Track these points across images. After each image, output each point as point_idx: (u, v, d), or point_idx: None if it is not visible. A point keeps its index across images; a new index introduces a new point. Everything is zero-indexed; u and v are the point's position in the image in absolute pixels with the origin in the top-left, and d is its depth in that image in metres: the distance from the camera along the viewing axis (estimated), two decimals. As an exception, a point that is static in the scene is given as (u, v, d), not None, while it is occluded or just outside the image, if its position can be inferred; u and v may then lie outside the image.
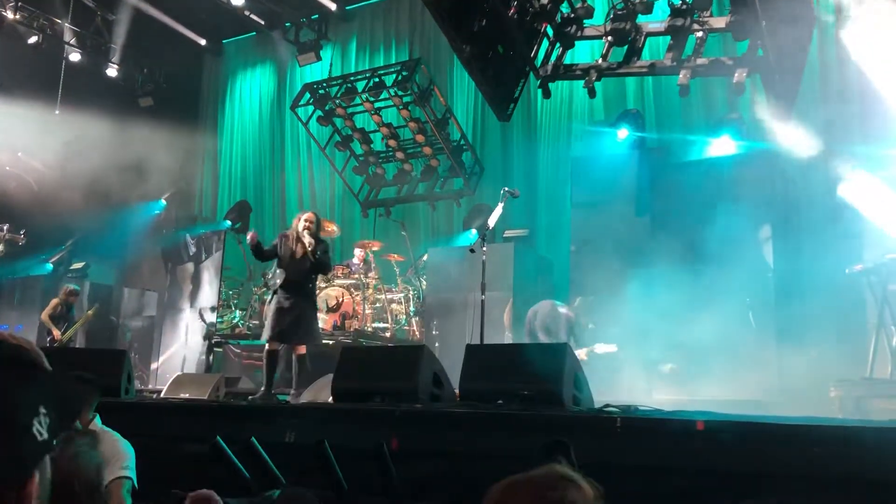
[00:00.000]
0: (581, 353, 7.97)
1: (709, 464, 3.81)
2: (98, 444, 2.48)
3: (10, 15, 13.36)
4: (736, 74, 6.87)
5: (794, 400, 6.72)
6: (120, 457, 3.33)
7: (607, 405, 5.00)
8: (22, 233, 10.00)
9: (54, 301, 11.22)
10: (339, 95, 11.87)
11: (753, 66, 6.94)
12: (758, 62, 6.92)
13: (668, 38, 7.41)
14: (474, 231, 11.16)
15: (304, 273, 7.29)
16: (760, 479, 3.64)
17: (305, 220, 7.30)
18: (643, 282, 8.56)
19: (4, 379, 1.15)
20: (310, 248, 7.18)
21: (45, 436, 1.16)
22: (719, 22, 7.10)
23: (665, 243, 8.48)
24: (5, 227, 9.72)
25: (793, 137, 7.92)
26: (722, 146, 9.25)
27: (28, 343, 1.32)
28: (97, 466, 2.42)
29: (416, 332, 11.02)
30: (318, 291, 10.87)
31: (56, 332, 10.86)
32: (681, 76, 7.14)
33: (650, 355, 8.11)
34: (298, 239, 7.25)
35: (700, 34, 7.12)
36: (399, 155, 12.26)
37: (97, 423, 3.42)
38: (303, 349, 7.38)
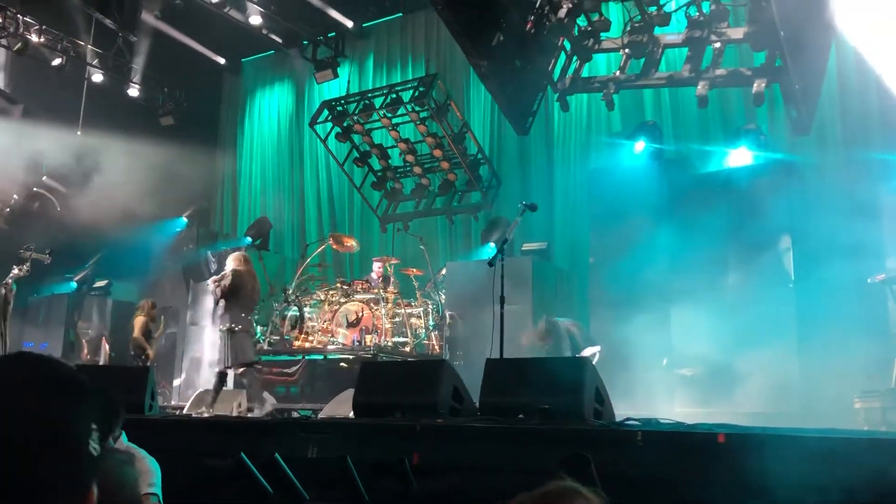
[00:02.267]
0: None
1: (730, 477, 3.78)
2: (133, 460, 2.52)
3: (34, 38, 13.59)
4: (755, 85, 6.88)
5: (818, 412, 6.66)
6: (147, 474, 3.35)
7: (628, 418, 4.99)
8: (48, 252, 10.12)
9: (141, 319, 11.06)
10: (356, 112, 11.96)
11: (772, 77, 6.94)
12: (776, 72, 6.92)
13: (686, 49, 7.43)
14: (492, 244, 11.17)
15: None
16: (783, 492, 3.62)
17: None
18: (662, 294, 8.53)
19: (64, 402, 1.19)
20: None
21: (98, 450, 1.21)
22: (737, 33, 7.12)
23: (684, 255, 8.46)
24: (32, 247, 9.84)
25: (812, 146, 7.89)
26: (740, 157, 9.21)
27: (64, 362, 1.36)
28: (135, 482, 2.47)
29: (436, 347, 11.03)
30: (336, 306, 10.96)
31: (151, 352, 10.76)
32: (699, 87, 7.16)
33: (670, 367, 8.07)
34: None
35: (718, 45, 7.13)
36: (417, 170, 12.32)
37: (123, 441, 3.45)
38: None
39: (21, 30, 13.36)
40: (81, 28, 14.50)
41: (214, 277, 8.66)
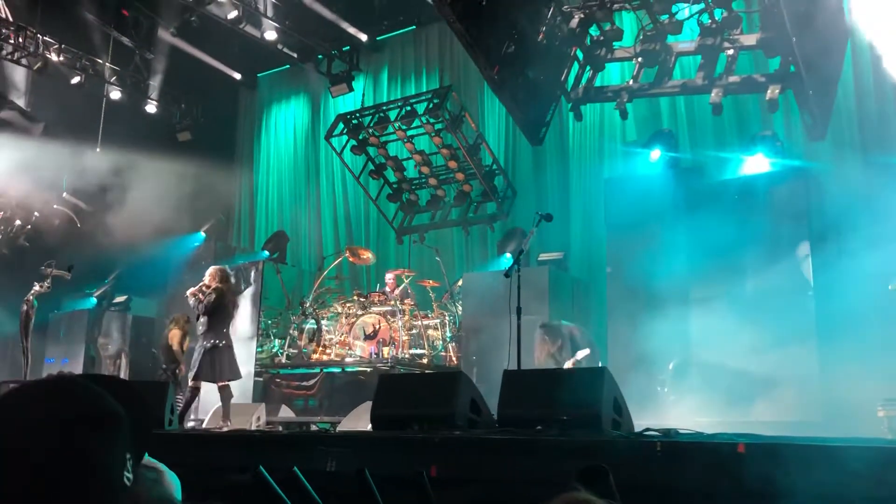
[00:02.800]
0: (569, 363, 8.41)
1: (751, 487, 3.75)
2: (162, 477, 2.52)
3: (54, 57, 13.80)
4: (769, 91, 6.85)
5: (840, 420, 6.59)
6: (170, 488, 3.37)
7: (647, 429, 4.96)
8: (68, 268, 10.23)
9: (177, 332, 10.85)
10: (371, 125, 12.02)
11: (786, 83, 6.91)
12: (790, 78, 6.89)
13: (699, 57, 7.41)
14: (508, 255, 11.16)
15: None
16: (804, 502, 3.58)
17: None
18: (680, 302, 8.48)
19: (101, 440, 1.16)
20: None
21: (132, 478, 1.20)
22: (750, 39, 7.10)
23: (701, 263, 8.41)
24: (53, 264, 9.96)
25: (828, 152, 7.84)
26: (756, 164, 9.15)
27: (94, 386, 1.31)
28: (171, 499, 2.47)
29: (453, 358, 11.02)
30: (353, 319, 10.99)
31: (183, 366, 10.54)
32: (713, 95, 7.14)
33: (690, 376, 8.01)
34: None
35: (731, 52, 7.12)
36: (432, 181, 12.35)
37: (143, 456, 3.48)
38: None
39: (41, 49, 13.57)
40: (99, 46, 14.71)
41: (193, 290, 8.76)
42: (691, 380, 8.17)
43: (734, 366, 7.58)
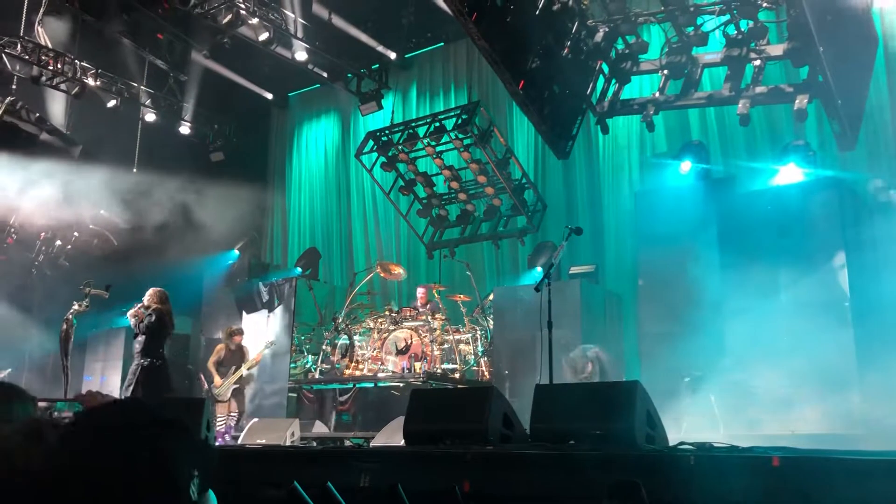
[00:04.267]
0: None
1: (787, 502, 3.71)
2: (207, 496, 2.59)
3: (91, 81, 14.15)
4: (797, 101, 6.79)
5: (880, 433, 6.47)
6: None
7: (681, 443, 4.93)
8: (106, 287, 10.44)
9: (219, 347, 10.92)
10: (401, 141, 12.11)
11: (814, 92, 6.85)
12: (819, 88, 6.83)
13: (726, 68, 7.38)
14: (539, 269, 11.16)
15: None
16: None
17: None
18: (714, 314, 8.41)
19: (170, 445, 1.24)
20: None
21: (196, 497, 1.26)
22: (777, 49, 7.06)
23: (735, 274, 8.34)
24: (91, 283, 10.17)
25: (863, 161, 7.74)
26: (789, 174, 9.07)
27: None
28: None
29: (486, 373, 11.02)
30: (385, 334, 11.05)
31: (217, 380, 10.56)
32: (740, 106, 7.10)
33: (722, 389, 7.93)
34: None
35: (758, 63, 7.08)
36: (462, 196, 12.40)
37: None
38: None
39: (78, 74, 13.92)
40: (135, 70, 15.06)
41: (133, 311, 9.25)
42: (726, 393, 8.08)
43: (770, 378, 7.48)
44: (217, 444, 9.29)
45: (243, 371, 10.85)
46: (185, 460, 1.27)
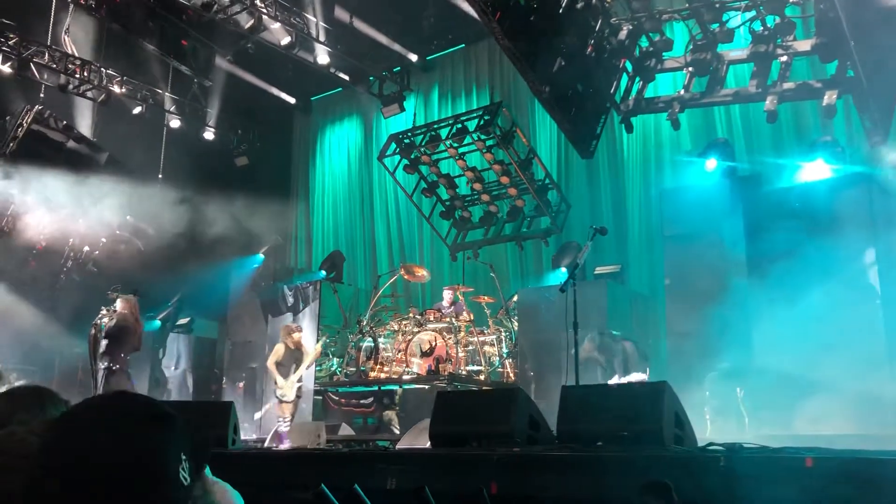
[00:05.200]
0: (616, 380, 8.46)
1: (818, 502, 3.64)
2: (212, 494, 2.58)
3: (116, 89, 14.32)
4: (825, 97, 6.69)
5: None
6: None
7: (711, 443, 4.86)
8: (133, 292, 10.54)
9: (277, 346, 10.46)
10: (423, 143, 12.12)
11: (844, 88, 6.74)
12: (848, 83, 6.72)
13: (752, 64, 7.29)
14: (563, 269, 11.09)
15: None
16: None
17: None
18: (741, 314, 8.31)
19: (153, 434, 1.28)
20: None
21: (189, 480, 1.29)
22: (804, 45, 6.96)
23: (762, 273, 8.23)
24: (119, 288, 10.29)
25: (891, 157, 7.60)
26: (816, 170, 8.94)
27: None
28: None
29: (511, 374, 10.98)
30: (410, 336, 11.05)
31: (280, 380, 10.07)
32: (767, 102, 7.01)
33: (753, 387, 7.83)
34: None
35: (785, 59, 6.98)
36: (485, 197, 12.38)
37: (206, 474, 3.54)
38: None
39: (104, 82, 14.10)
40: (159, 76, 15.22)
41: (106, 314, 9.54)
42: (757, 392, 7.97)
43: (800, 378, 7.37)
44: (280, 447, 9.17)
45: (303, 369, 10.40)
46: (172, 447, 1.28)
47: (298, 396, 10.35)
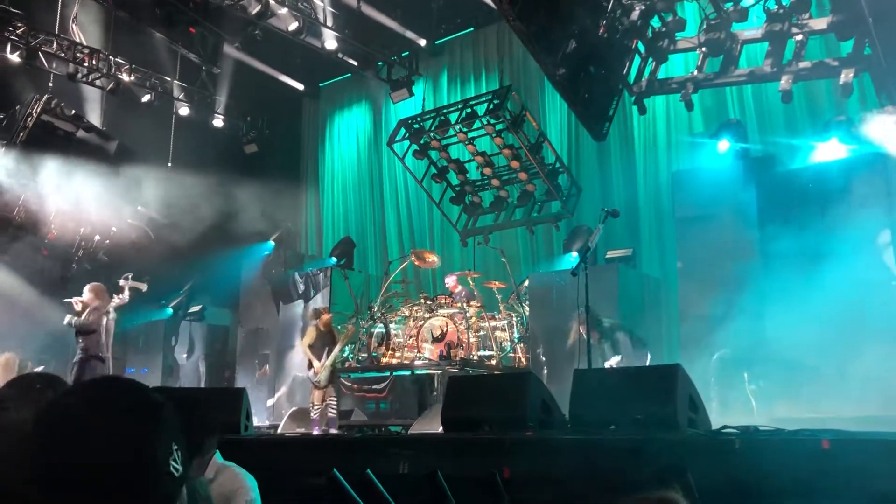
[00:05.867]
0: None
1: (836, 486, 3.60)
2: (222, 477, 2.57)
3: (125, 77, 14.30)
4: (842, 76, 6.57)
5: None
6: (243, 491, 3.41)
7: (725, 426, 4.82)
8: (145, 280, 10.55)
9: (309, 329, 10.05)
10: (433, 128, 12.05)
11: (861, 66, 6.62)
12: (866, 61, 6.60)
13: (766, 44, 7.18)
14: (574, 254, 11.04)
15: None
16: (892, 499, 3.42)
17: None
18: (756, 296, 8.25)
19: (139, 426, 1.25)
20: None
21: (181, 470, 1.25)
22: (820, 23, 6.83)
23: (776, 254, 8.16)
24: (130, 276, 10.28)
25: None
26: (830, 150, 8.84)
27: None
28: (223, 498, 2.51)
29: (522, 359, 10.96)
30: (421, 322, 11.02)
31: (317, 365, 9.54)
32: (782, 82, 6.90)
33: (766, 370, 7.77)
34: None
35: (800, 37, 6.86)
36: (495, 182, 12.31)
37: (218, 459, 3.53)
38: None
39: (113, 70, 14.08)
40: (168, 64, 15.18)
41: (74, 302, 9.50)
42: (770, 375, 7.92)
43: (815, 359, 7.31)
44: (315, 432, 9.01)
45: (336, 351, 9.88)
46: (160, 438, 1.26)
47: (330, 382, 9.76)
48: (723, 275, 8.67)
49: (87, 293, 9.49)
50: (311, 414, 9.41)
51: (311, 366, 9.57)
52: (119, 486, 1.18)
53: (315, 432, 9.11)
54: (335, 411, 9.57)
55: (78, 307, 9.41)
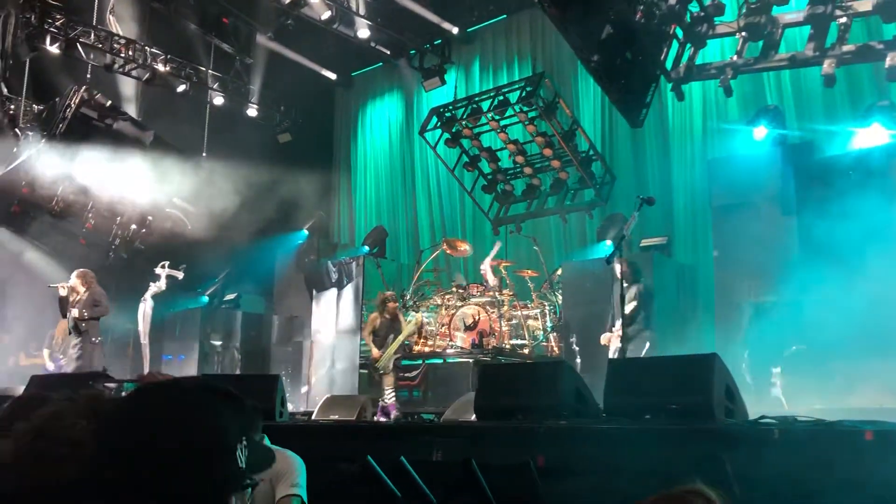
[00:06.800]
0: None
1: (880, 478, 3.52)
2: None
3: (160, 67, 14.46)
4: (888, 59, 6.39)
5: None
6: (291, 473, 3.41)
7: (763, 416, 4.74)
8: (181, 268, 10.68)
9: (372, 315, 9.96)
10: (465, 117, 12.01)
11: (907, 49, 6.45)
12: (912, 43, 6.43)
13: (808, 27, 7.02)
14: (608, 242, 10.94)
15: None
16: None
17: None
18: (794, 285, 8.11)
19: (216, 402, 1.26)
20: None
21: (243, 465, 1.25)
22: (865, 5, 6.64)
23: (813, 242, 8.01)
24: (166, 265, 10.41)
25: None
26: (872, 136, 8.63)
27: None
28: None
29: (555, 348, 10.91)
30: (453, 310, 11.02)
31: (376, 351, 9.53)
32: (825, 66, 6.74)
33: (807, 362, 7.64)
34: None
35: (843, 20, 6.69)
36: (527, 170, 12.24)
37: (265, 442, 3.54)
38: None
39: (149, 60, 14.25)
40: (202, 55, 15.31)
41: (62, 286, 9.60)
42: (806, 366, 7.78)
43: (857, 350, 7.17)
44: (381, 420, 9.05)
45: (402, 339, 9.82)
46: (232, 422, 1.28)
47: (396, 367, 9.82)
48: (760, 264, 8.53)
49: (73, 278, 9.67)
50: (384, 399, 9.52)
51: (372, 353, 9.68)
52: (198, 470, 1.19)
53: (393, 415, 9.22)
54: (394, 397, 9.76)
55: (63, 292, 9.56)
